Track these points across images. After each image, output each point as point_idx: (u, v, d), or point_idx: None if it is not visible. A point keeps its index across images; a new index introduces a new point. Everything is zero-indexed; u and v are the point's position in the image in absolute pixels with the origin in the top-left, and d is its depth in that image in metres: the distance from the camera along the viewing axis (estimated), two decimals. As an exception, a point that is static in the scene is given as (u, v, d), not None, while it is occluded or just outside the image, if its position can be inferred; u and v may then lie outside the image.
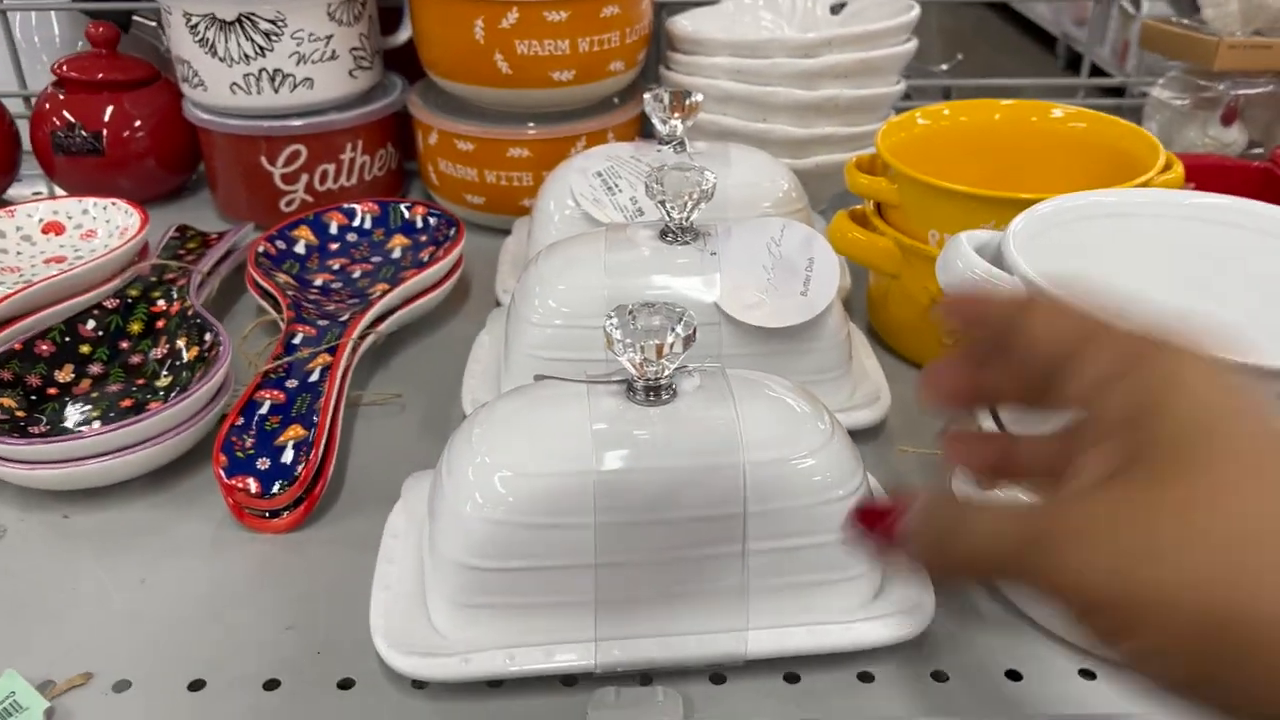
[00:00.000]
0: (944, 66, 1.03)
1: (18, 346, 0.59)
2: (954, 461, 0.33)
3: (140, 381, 0.60)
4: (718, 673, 0.43)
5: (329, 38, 0.76)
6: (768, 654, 0.42)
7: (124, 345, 0.62)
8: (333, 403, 0.56)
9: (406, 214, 0.74)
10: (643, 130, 0.84)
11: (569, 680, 0.43)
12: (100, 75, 0.82)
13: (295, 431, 0.53)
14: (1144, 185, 0.57)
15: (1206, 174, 0.70)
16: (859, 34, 0.74)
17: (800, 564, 0.42)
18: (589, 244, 0.58)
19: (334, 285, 0.69)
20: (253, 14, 0.74)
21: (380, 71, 0.83)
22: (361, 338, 0.61)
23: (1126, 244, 0.48)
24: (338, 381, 0.57)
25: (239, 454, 0.52)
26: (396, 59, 0.86)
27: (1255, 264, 0.48)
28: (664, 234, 0.57)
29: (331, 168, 0.80)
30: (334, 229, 0.74)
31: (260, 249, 0.69)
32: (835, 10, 0.87)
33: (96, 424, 0.56)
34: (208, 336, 0.60)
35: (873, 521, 0.31)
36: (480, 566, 0.41)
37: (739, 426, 0.41)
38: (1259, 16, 0.81)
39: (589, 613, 0.42)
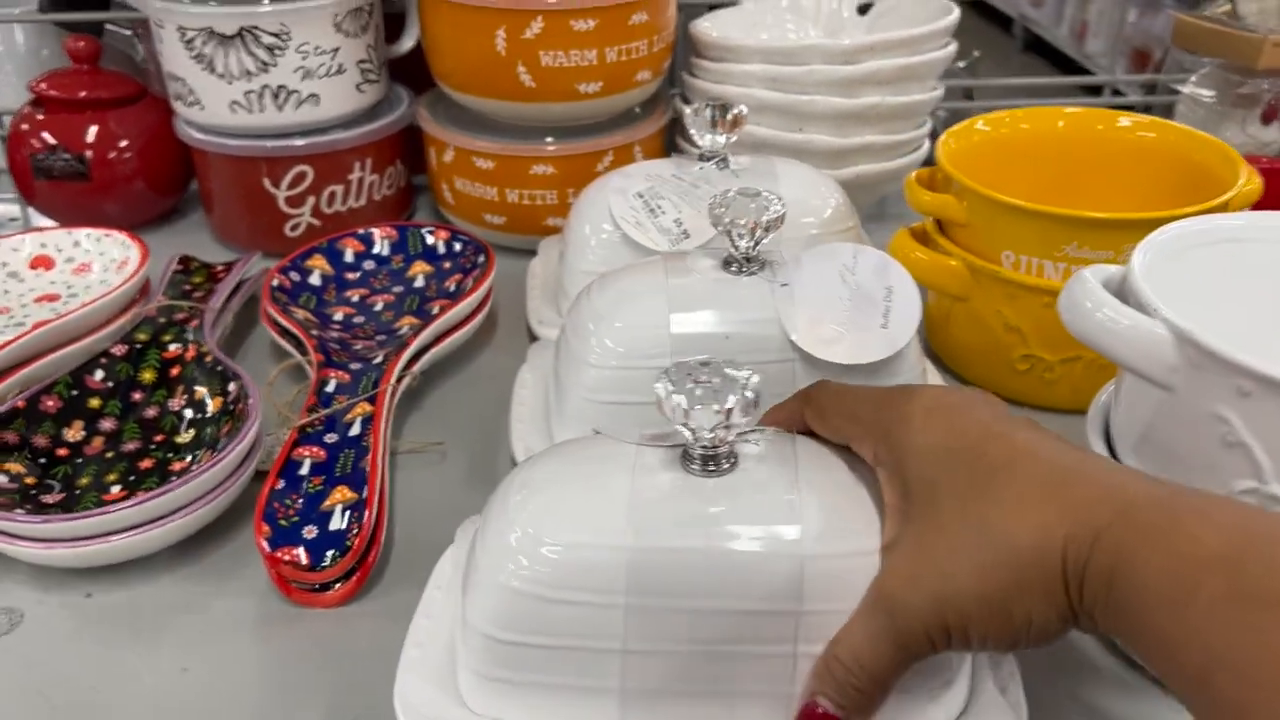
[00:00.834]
0: (962, 64, 1.00)
1: (21, 404, 0.53)
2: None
3: (159, 438, 0.55)
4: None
5: (335, 50, 0.71)
6: None
7: (136, 397, 0.57)
8: (381, 459, 0.51)
9: (428, 239, 0.69)
10: (666, 140, 0.80)
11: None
12: (83, 93, 0.76)
13: (343, 494, 0.49)
14: (1228, 201, 0.54)
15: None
16: (902, 39, 0.70)
17: None
18: (646, 276, 0.54)
19: (356, 320, 0.64)
20: (255, 27, 0.68)
21: (387, 84, 0.78)
22: (398, 381, 0.57)
23: (1250, 271, 0.45)
24: (382, 434, 0.52)
25: (282, 522, 0.47)
26: (399, 67, 0.81)
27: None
28: (728, 264, 0.53)
29: (340, 189, 0.75)
30: (349, 257, 0.69)
31: (274, 283, 0.64)
32: (862, 11, 0.83)
33: (115, 489, 0.51)
34: (231, 386, 0.55)
35: None
36: (501, 639, 0.37)
37: (801, 512, 0.36)
38: (1299, 12, 0.79)
39: (615, 702, 0.37)
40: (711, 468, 0.37)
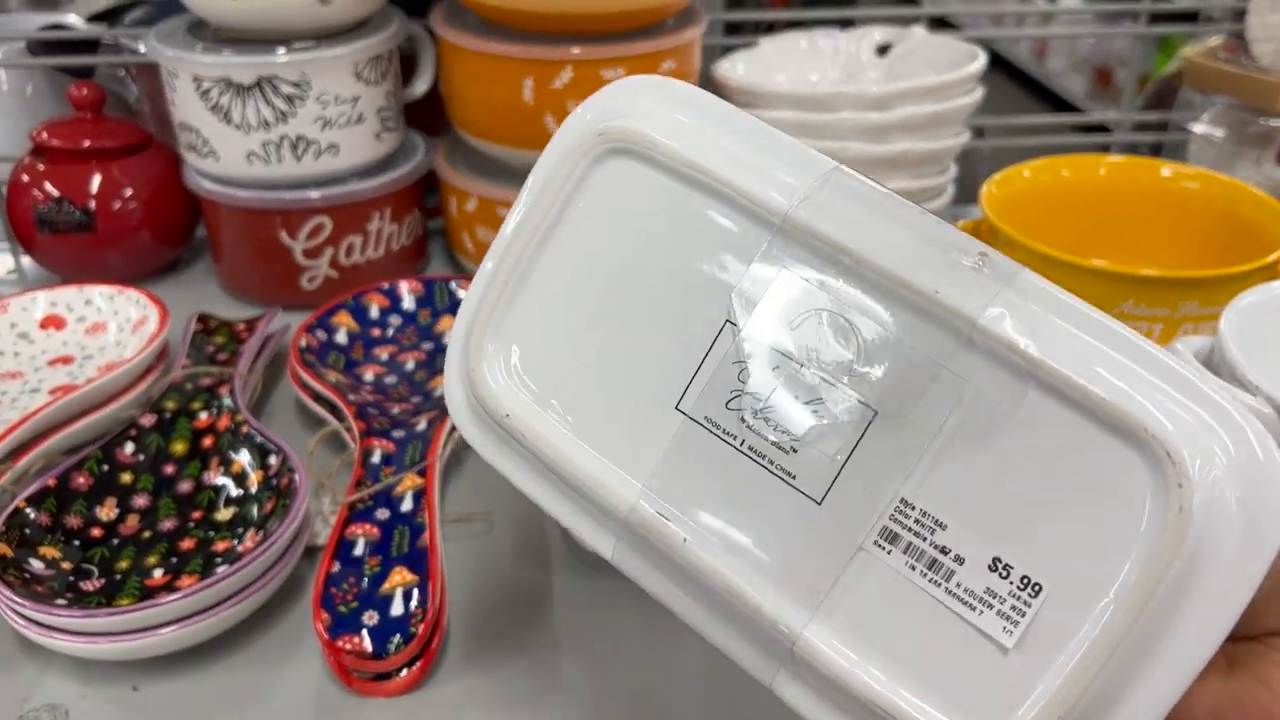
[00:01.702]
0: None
1: (52, 482, 0.51)
2: None
3: (197, 515, 0.52)
4: None
5: (355, 99, 0.69)
6: None
7: (168, 470, 0.54)
8: (438, 537, 0.49)
9: (456, 293, 0.68)
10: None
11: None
12: (87, 143, 0.74)
13: (403, 576, 0.47)
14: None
15: None
16: (933, 85, 0.70)
17: None
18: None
19: (388, 380, 0.63)
20: (274, 77, 0.66)
21: (404, 131, 0.76)
22: (443, 449, 0.55)
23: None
24: (436, 509, 0.50)
25: (341, 608, 0.45)
26: (410, 111, 0.78)
27: None
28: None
29: (358, 240, 0.73)
30: (375, 313, 0.67)
31: (302, 343, 0.62)
32: (882, 52, 0.82)
33: (158, 573, 0.49)
34: (272, 459, 0.53)
35: None
36: None
37: None
38: (1312, 53, 0.79)
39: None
40: None
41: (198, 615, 0.45)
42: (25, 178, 0.74)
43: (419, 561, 0.47)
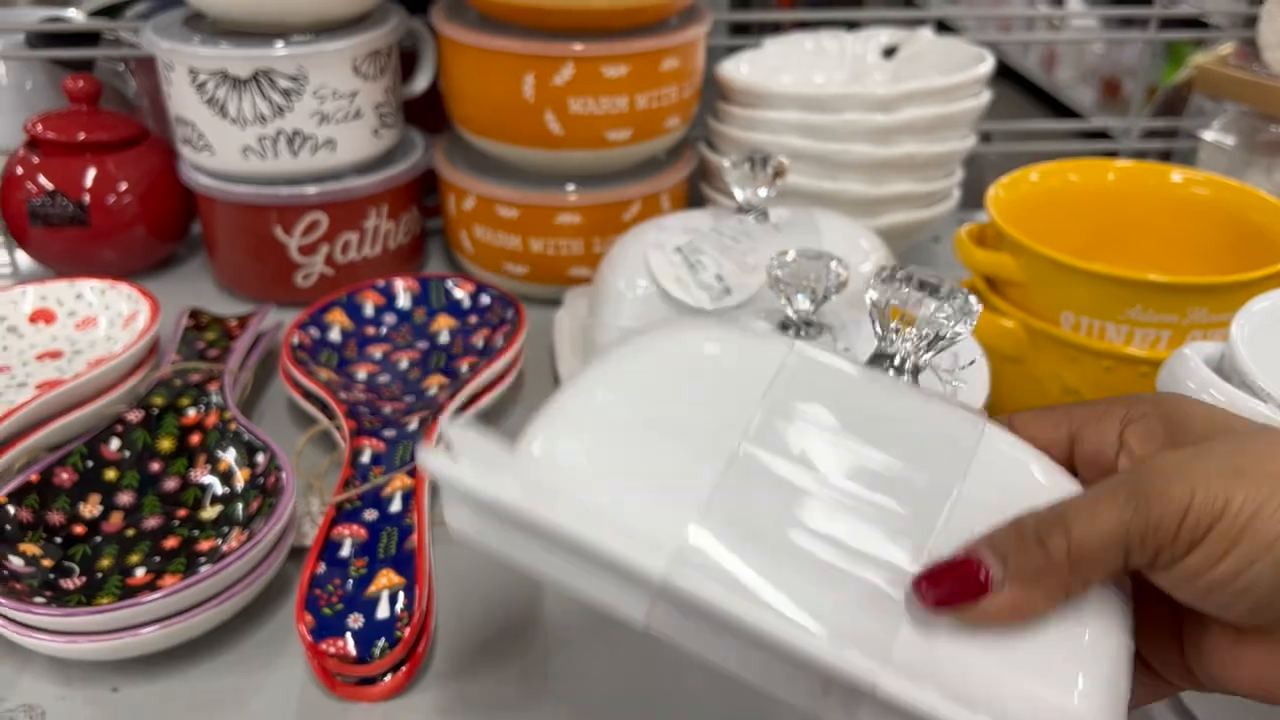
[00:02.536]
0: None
1: (34, 478, 0.50)
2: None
3: (181, 513, 0.51)
4: None
5: (353, 94, 0.68)
6: None
7: (155, 467, 0.53)
8: (427, 540, 0.48)
9: (453, 292, 0.67)
10: (691, 188, 0.78)
11: None
12: (82, 135, 0.73)
13: (389, 579, 0.46)
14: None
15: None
16: (938, 87, 0.69)
17: None
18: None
19: (380, 379, 0.61)
20: (271, 70, 0.65)
21: (402, 128, 0.75)
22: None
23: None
24: (426, 512, 0.49)
25: (325, 610, 0.44)
26: (409, 109, 0.78)
27: None
28: (783, 327, 0.51)
29: (354, 237, 0.72)
30: (369, 310, 0.66)
31: (295, 340, 0.61)
32: (888, 54, 0.81)
33: (140, 571, 0.48)
34: (259, 457, 0.52)
35: (947, 576, 0.29)
36: None
37: None
38: (1324, 60, 0.78)
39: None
40: None
41: (180, 615, 0.44)
42: (19, 170, 0.73)
43: (406, 564, 0.46)
